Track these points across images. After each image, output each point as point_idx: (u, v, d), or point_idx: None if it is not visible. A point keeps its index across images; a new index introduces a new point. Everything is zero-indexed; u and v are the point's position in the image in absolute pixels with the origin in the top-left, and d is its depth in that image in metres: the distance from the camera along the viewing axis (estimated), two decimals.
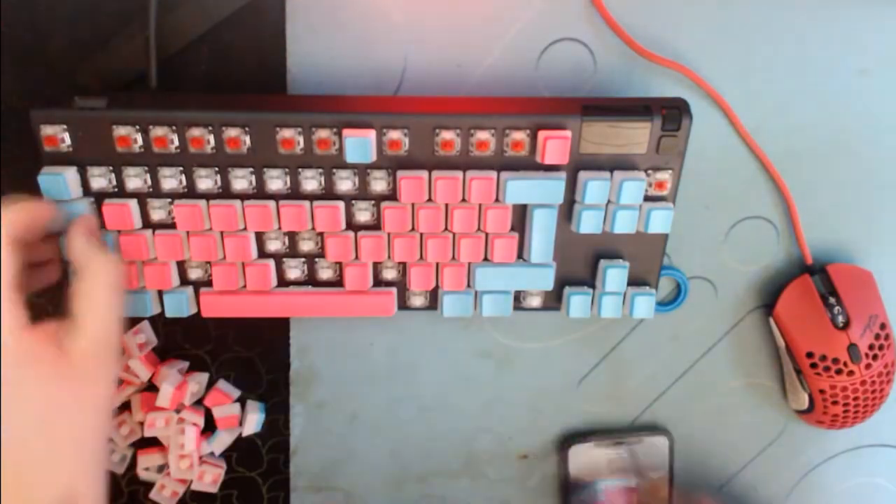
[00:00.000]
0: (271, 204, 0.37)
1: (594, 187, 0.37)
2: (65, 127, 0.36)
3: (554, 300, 0.42)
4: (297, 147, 0.36)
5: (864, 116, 0.41)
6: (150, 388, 0.45)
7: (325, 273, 0.40)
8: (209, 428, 0.46)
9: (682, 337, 0.46)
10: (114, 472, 0.47)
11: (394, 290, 0.40)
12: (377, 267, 0.40)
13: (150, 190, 0.37)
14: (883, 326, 0.43)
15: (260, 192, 0.37)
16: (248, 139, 0.36)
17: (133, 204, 0.37)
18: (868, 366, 0.42)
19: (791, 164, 0.42)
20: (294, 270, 0.40)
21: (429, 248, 0.39)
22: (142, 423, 0.44)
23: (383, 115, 0.36)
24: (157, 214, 0.38)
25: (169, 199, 0.37)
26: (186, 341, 0.44)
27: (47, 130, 0.35)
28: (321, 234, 0.39)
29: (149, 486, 0.47)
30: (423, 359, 0.46)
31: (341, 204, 0.38)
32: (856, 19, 0.40)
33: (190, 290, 0.40)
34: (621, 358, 0.46)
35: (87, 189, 0.37)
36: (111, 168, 0.37)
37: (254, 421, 0.45)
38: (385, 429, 0.48)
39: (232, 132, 0.36)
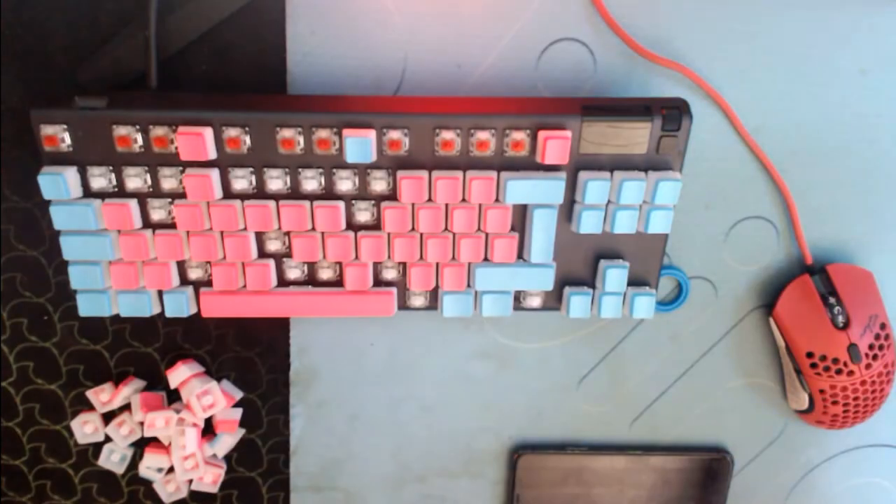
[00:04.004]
0: (271, 204, 0.37)
1: (594, 187, 0.37)
2: (65, 127, 0.36)
3: (554, 300, 0.42)
4: (297, 147, 0.36)
5: (864, 116, 0.41)
6: (150, 387, 0.45)
7: (325, 273, 0.40)
8: (208, 428, 0.46)
9: (682, 337, 0.46)
10: (114, 471, 0.47)
11: (394, 290, 0.40)
12: (377, 267, 0.40)
13: (150, 190, 0.37)
14: (883, 326, 0.43)
15: (260, 192, 0.38)
16: (248, 139, 0.36)
17: (133, 204, 0.37)
18: (868, 366, 0.42)
19: (791, 164, 0.42)
20: (294, 270, 0.40)
21: (429, 248, 0.39)
22: (142, 423, 0.44)
23: (383, 115, 0.36)
24: (157, 214, 0.38)
25: (169, 199, 0.37)
26: (186, 341, 0.44)
27: (47, 130, 0.35)
28: (321, 233, 0.39)
29: (149, 485, 0.47)
30: (423, 359, 0.46)
31: (341, 204, 0.38)
32: (856, 19, 0.40)
33: (190, 290, 0.40)
34: (621, 358, 0.46)
35: (87, 189, 0.37)
36: (111, 168, 0.37)
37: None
38: (385, 429, 0.48)
39: (232, 132, 0.36)
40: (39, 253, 0.42)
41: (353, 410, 0.47)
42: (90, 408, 0.45)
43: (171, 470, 0.46)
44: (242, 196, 0.38)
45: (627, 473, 0.49)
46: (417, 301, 0.41)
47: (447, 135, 0.36)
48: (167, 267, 0.38)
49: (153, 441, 0.45)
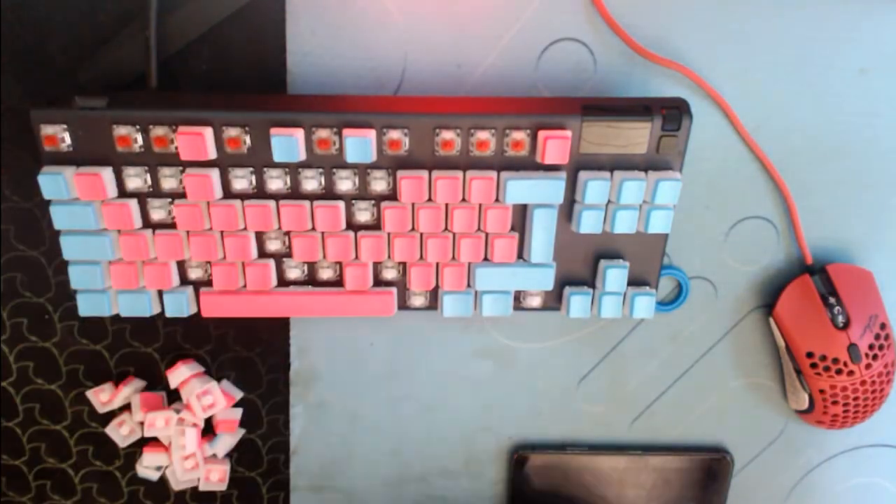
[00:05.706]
0: (271, 204, 0.37)
1: (594, 187, 0.37)
2: (65, 127, 0.36)
3: (554, 300, 0.42)
4: None
5: (864, 116, 0.41)
6: (150, 387, 0.45)
7: (325, 273, 0.40)
8: (208, 428, 0.46)
9: (682, 337, 0.46)
10: (113, 472, 0.47)
11: (394, 290, 0.40)
12: (377, 267, 0.40)
13: (150, 190, 0.37)
14: (883, 326, 0.43)
15: (260, 192, 0.38)
16: (248, 139, 0.36)
17: (133, 204, 0.37)
18: (868, 366, 0.42)
19: (791, 164, 0.42)
20: (294, 270, 0.40)
21: (429, 248, 0.39)
22: (142, 423, 0.44)
23: (383, 115, 0.36)
24: (157, 214, 0.38)
25: (169, 199, 0.37)
26: (186, 341, 0.44)
27: (47, 130, 0.35)
28: (321, 233, 0.39)
29: (149, 485, 0.47)
30: (423, 359, 0.46)
31: (341, 204, 0.38)
32: (856, 19, 0.40)
33: (190, 290, 0.40)
34: (621, 358, 0.46)
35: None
36: (111, 168, 0.37)
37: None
38: (385, 429, 0.48)
39: (232, 132, 0.36)
40: (39, 253, 0.42)
41: (353, 410, 0.47)
42: (91, 408, 0.45)
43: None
44: (242, 196, 0.38)
45: (627, 473, 0.49)
46: (417, 301, 0.41)
47: (447, 135, 0.36)
48: (167, 267, 0.38)
49: (152, 440, 0.45)
